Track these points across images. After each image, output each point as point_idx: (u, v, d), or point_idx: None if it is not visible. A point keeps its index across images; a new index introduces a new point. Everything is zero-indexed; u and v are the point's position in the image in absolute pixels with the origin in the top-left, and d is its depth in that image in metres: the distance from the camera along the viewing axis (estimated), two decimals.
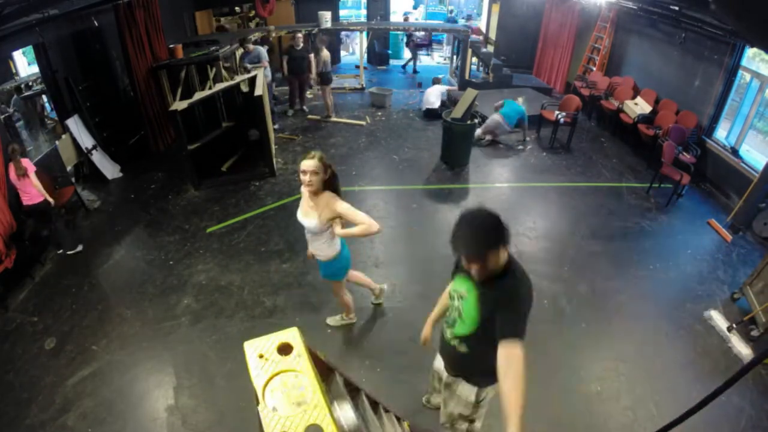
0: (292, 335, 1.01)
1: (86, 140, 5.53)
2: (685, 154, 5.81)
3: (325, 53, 7.64)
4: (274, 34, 8.85)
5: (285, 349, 0.97)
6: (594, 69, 8.62)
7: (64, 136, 5.28)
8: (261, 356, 0.95)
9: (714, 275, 4.23)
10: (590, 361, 3.33)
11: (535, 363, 3.20)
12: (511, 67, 9.83)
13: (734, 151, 5.62)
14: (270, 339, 0.99)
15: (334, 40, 11.09)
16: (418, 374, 3.17)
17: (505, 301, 1.51)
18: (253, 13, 9.80)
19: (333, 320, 3.59)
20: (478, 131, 6.95)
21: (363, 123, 7.83)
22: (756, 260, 4.20)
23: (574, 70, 9.27)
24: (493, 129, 6.92)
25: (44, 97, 5.49)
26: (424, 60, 12.61)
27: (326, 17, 8.81)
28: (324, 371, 1.33)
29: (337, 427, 0.86)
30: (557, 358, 3.29)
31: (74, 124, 5.36)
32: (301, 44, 7.46)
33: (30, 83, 5.33)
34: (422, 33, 11.65)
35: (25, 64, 5.31)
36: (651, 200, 5.54)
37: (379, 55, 11.85)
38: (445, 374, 2.04)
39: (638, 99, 7.04)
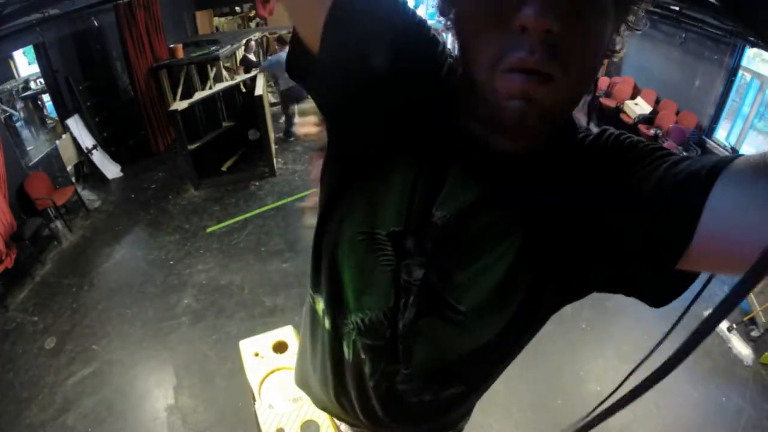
0: (287, 333, 1.01)
1: (86, 140, 5.54)
2: (685, 154, 5.79)
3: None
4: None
5: (280, 347, 0.97)
6: None
7: (64, 136, 5.29)
8: (256, 354, 0.95)
9: (714, 275, 4.22)
10: (590, 361, 3.33)
11: (536, 363, 3.22)
12: None
13: (735, 152, 5.61)
14: (265, 337, 0.99)
15: None
16: None
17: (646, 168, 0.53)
18: (253, 13, 9.81)
19: None
20: None
21: None
22: None
23: None
24: None
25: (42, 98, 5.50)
26: None
27: None
28: None
29: (334, 424, 0.86)
30: (557, 359, 3.29)
31: (74, 123, 5.37)
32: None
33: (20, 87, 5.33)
34: None
35: (25, 63, 5.32)
36: None
37: None
38: None
39: (638, 99, 7.04)
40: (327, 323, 0.75)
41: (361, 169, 0.63)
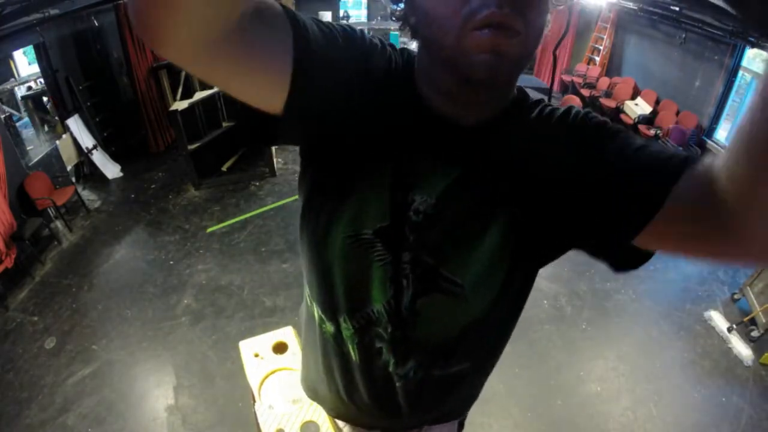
0: (287, 334, 1.01)
1: (87, 140, 5.54)
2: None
3: None
4: None
5: (280, 348, 0.98)
6: (590, 67, 8.63)
7: (64, 136, 5.29)
8: (256, 355, 0.95)
9: (714, 276, 4.22)
10: (590, 361, 3.33)
11: (536, 363, 3.23)
12: None
13: None
14: (265, 338, 0.99)
15: None
16: None
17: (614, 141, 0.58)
18: None
19: None
20: None
21: None
22: None
23: (574, 70, 9.28)
24: None
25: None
26: None
27: (326, 17, 8.82)
28: None
29: (334, 425, 0.86)
30: (557, 359, 3.29)
31: (75, 123, 5.37)
32: None
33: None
34: None
35: (25, 63, 5.32)
36: None
37: None
38: None
39: (638, 99, 7.04)
40: (330, 327, 0.76)
41: (338, 178, 0.64)
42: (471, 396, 0.97)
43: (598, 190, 0.56)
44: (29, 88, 5.37)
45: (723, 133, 5.96)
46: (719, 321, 3.61)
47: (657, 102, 6.96)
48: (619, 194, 0.54)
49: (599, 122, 0.61)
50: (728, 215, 0.44)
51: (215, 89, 5.73)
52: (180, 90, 5.93)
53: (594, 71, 8.55)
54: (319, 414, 0.86)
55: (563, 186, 0.59)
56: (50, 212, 4.74)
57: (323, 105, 0.56)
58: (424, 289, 0.67)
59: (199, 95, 5.47)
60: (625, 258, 0.60)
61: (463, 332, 0.71)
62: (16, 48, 4.87)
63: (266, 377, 0.91)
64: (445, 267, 0.65)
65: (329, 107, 0.56)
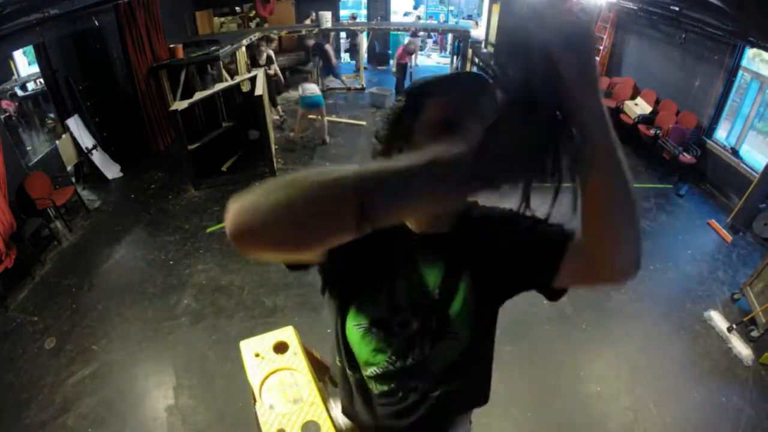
0: (287, 334, 1.01)
1: (86, 140, 5.54)
2: (685, 154, 5.81)
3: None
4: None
5: (281, 348, 0.97)
6: None
7: (64, 136, 5.29)
8: (257, 355, 0.95)
9: (714, 276, 4.23)
10: (590, 361, 3.33)
11: (536, 363, 3.23)
12: None
13: (734, 152, 5.61)
14: (266, 338, 0.99)
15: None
16: None
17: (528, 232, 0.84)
18: (253, 13, 9.80)
19: None
20: None
21: (363, 123, 7.83)
22: (756, 261, 4.19)
23: None
24: None
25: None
26: (424, 60, 12.62)
27: (326, 17, 8.81)
28: (319, 370, 1.33)
29: (334, 425, 0.86)
30: (557, 359, 3.29)
31: (74, 123, 5.37)
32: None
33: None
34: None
35: (25, 63, 5.31)
36: (651, 200, 5.53)
37: (379, 55, 11.84)
38: None
39: (638, 99, 7.04)
40: (353, 375, 1.02)
41: (355, 289, 0.96)
42: (464, 410, 1.28)
43: (522, 256, 0.84)
44: (26, 89, 5.35)
45: (723, 133, 5.96)
46: (719, 321, 3.61)
47: (657, 102, 6.95)
48: (534, 258, 0.81)
49: (517, 214, 0.75)
50: (588, 256, 0.73)
51: (215, 89, 5.74)
52: (180, 90, 5.93)
53: None
54: (319, 414, 0.86)
55: (497, 256, 0.87)
56: (50, 212, 4.74)
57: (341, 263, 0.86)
58: (434, 342, 0.94)
59: (199, 95, 5.48)
60: (552, 294, 0.85)
61: (456, 361, 0.96)
62: (16, 48, 4.87)
63: (267, 377, 0.92)
64: (448, 326, 0.93)
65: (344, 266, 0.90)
